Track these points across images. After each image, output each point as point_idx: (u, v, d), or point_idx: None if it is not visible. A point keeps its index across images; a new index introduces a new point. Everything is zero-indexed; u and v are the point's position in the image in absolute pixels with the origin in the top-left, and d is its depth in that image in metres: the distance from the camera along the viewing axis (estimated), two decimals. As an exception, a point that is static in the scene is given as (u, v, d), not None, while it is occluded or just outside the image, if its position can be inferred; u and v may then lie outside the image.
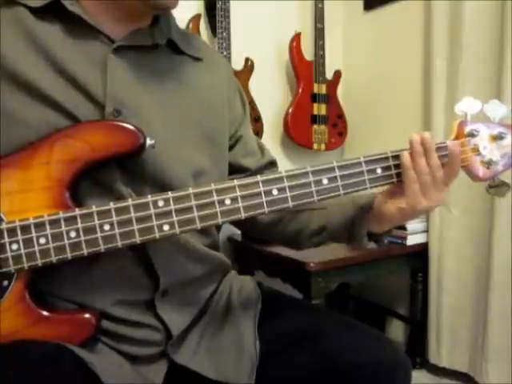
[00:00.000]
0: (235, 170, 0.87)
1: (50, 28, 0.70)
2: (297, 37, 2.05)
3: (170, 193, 0.66)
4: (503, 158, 0.76)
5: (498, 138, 0.75)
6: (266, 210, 0.69)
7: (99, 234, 0.65)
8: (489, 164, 0.75)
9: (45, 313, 0.66)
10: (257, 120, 1.94)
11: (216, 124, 0.83)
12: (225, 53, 1.82)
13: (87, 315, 0.68)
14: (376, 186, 0.73)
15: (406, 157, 0.73)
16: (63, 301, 0.70)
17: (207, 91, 0.83)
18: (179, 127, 0.76)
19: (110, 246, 0.65)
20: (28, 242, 0.64)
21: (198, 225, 0.67)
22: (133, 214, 0.65)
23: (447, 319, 1.80)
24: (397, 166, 0.73)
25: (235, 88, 0.91)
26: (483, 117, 0.76)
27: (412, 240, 1.80)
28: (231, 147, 0.88)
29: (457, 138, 0.76)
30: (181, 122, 0.77)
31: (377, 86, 2.14)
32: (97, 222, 0.64)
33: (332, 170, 0.71)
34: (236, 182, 0.68)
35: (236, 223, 0.96)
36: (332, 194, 0.71)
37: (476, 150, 0.76)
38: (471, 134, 0.75)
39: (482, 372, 1.68)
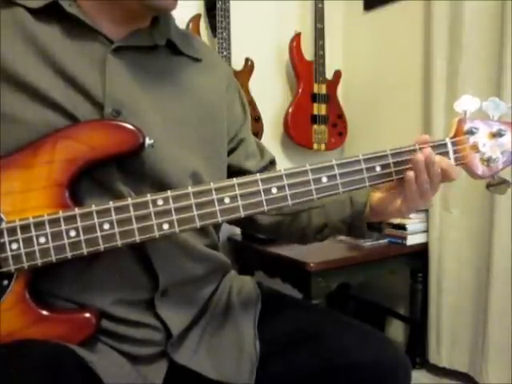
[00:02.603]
0: (237, 173, 0.87)
1: (48, 29, 0.70)
2: (297, 37, 2.05)
3: (169, 191, 0.66)
4: (503, 155, 0.76)
5: (497, 135, 0.75)
6: (266, 208, 0.69)
7: (99, 233, 0.65)
8: (488, 161, 0.75)
9: (45, 312, 0.66)
10: (257, 120, 1.94)
11: (214, 126, 0.83)
12: (225, 53, 1.82)
13: (87, 315, 0.68)
14: (375, 184, 0.74)
15: (409, 176, 0.72)
16: (63, 300, 0.70)
17: (206, 92, 0.83)
18: (177, 128, 0.77)
19: (109, 245, 0.65)
20: (28, 242, 0.64)
21: (198, 223, 0.67)
22: (132, 213, 0.65)
23: (447, 319, 1.80)
24: (396, 164, 0.73)
25: (235, 90, 0.91)
26: (483, 114, 0.76)
27: (412, 240, 1.80)
28: (233, 150, 0.88)
29: (456, 135, 0.76)
30: (179, 123, 0.77)
31: (377, 86, 2.14)
32: (96, 221, 0.64)
33: (331, 168, 0.71)
34: (235, 181, 0.68)
35: (236, 223, 0.97)
36: (331, 192, 0.71)
37: (475, 148, 0.75)
38: (470, 132, 0.75)
39: (482, 372, 1.68)
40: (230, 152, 0.88)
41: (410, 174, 0.72)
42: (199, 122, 0.80)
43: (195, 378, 0.75)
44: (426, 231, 1.83)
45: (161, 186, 0.71)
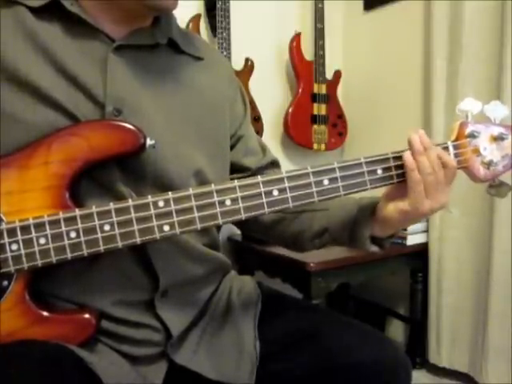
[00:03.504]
0: (236, 169, 0.87)
1: (49, 28, 0.70)
2: (297, 37, 2.05)
3: (170, 193, 0.66)
4: (504, 159, 0.76)
5: (498, 138, 0.75)
6: (267, 210, 0.69)
7: (99, 235, 0.64)
8: (489, 165, 0.75)
9: (45, 313, 0.66)
10: (257, 120, 1.94)
11: (216, 124, 0.83)
12: (225, 53, 1.82)
13: (87, 315, 0.68)
14: (377, 187, 0.73)
15: (409, 158, 0.71)
16: (63, 301, 0.70)
17: (208, 91, 0.82)
18: (179, 127, 0.76)
19: (110, 246, 0.65)
20: (28, 243, 0.64)
21: (199, 225, 0.67)
22: (133, 215, 0.65)
23: (447, 319, 1.80)
24: (397, 167, 0.73)
25: (236, 87, 0.91)
26: (484, 118, 0.76)
27: (412, 240, 1.80)
28: (232, 146, 0.88)
29: (457, 138, 0.75)
30: (181, 122, 0.77)
31: (377, 86, 2.14)
32: (97, 222, 0.64)
33: (333, 170, 0.71)
34: (236, 183, 0.68)
35: (237, 223, 0.96)
36: (333, 195, 0.71)
37: (476, 151, 0.75)
38: (472, 135, 0.75)
39: (482, 372, 1.68)
40: (230, 148, 0.87)
41: (408, 155, 0.71)
42: (201, 120, 0.80)
43: (195, 379, 0.75)
44: (426, 231, 1.83)
45: (162, 185, 0.71)
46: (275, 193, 0.69)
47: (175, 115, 0.76)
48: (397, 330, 2.11)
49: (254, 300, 0.86)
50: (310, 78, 2.06)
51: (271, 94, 2.11)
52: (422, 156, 0.71)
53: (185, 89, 0.79)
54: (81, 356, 0.65)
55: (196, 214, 0.66)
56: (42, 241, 0.64)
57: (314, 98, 2.07)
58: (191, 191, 0.67)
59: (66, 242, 0.64)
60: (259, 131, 1.95)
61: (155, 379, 0.74)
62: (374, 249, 0.79)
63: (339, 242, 0.84)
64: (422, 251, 1.83)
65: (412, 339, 1.99)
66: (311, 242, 0.85)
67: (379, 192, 0.77)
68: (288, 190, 0.69)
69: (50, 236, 0.64)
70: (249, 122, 0.93)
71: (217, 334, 0.80)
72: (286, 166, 2.07)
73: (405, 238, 1.78)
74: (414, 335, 1.97)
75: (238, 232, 1.91)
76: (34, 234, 0.64)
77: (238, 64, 1.92)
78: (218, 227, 0.86)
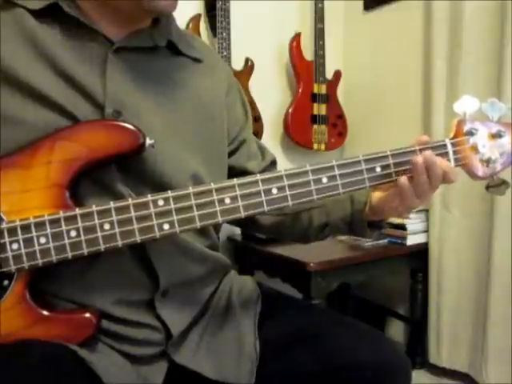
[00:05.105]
0: (239, 174, 0.87)
1: (49, 30, 0.71)
2: (297, 37, 2.05)
3: (169, 192, 0.66)
4: (502, 156, 0.76)
5: (496, 136, 0.76)
6: (266, 208, 0.69)
7: (99, 234, 0.65)
8: (488, 162, 0.75)
9: (45, 312, 0.67)
10: (257, 120, 1.94)
11: (214, 127, 0.83)
12: (225, 53, 1.82)
13: (87, 315, 0.68)
14: (375, 185, 0.74)
15: (403, 181, 0.72)
16: (63, 300, 0.70)
17: (206, 93, 0.83)
18: (177, 129, 0.76)
19: (110, 245, 0.65)
20: (28, 242, 0.64)
21: (198, 224, 0.67)
22: (133, 213, 0.65)
23: (447, 319, 1.80)
24: (396, 165, 0.73)
25: (235, 90, 0.91)
26: (483, 115, 0.76)
27: (412, 240, 1.79)
28: (234, 151, 0.88)
29: (455, 136, 0.76)
30: (179, 125, 0.77)
31: (377, 85, 2.14)
32: (97, 221, 0.65)
33: (331, 168, 0.71)
34: (236, 181, 0.68)
35: (237, 223, 0.97)
36: (331, 193, 0.71)
37: (475, 149, 0.76)
38: (470, 133, 0.75)
39: (482, 372, 1.68)
40: (232, 153, 0.88)
41: (402, 179, 0.72)
42: (199, 123, 0.80)
43: (195, 379, 0.75)
44: (426, 231, 1.83)
45: (161, 186, 0.71)
46: (274, 191, 0.69)
47: (173, 118, 0.77)
48: (397, 330, 2.11)
49: (254, 300, 0.86)
50: (309, 78, 2.06)
51: (271, 94, 2.11)
52: (422, 176, 0.71)
53: (183, 91, 0.79)
54: (81, 356, 0.65)
55: (195, 213, 0.67)
56: (43, 240, 0.64)
57: (314, 98, 2.07)
58: (191, 190, 0.67)
59: (67, 240, 0.64)
60: (259, 131, 1.95)
61: (155, 379, 0.74)
62: (374, 233, 0.84)
63: (341, 233, 0.88)
64: (422, 251, 1.83)
65: (412, 339, 1.99)
66: (314, 236, 0.88)
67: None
68: (287, 188, 0.70)
69: (50, 235, 0.64)
70: (250, 125, 0.93)
71: (217, 334, 0.80)
72: (286, 166, 2.04)
73: (405, 238, 1.78)
74: (414, 335, 1.97)
75: (238, 232, 1.92)
76: (34, 234, 0.64)
77: (238, 64, 1.92)
78: (218, 227, 0.86)
